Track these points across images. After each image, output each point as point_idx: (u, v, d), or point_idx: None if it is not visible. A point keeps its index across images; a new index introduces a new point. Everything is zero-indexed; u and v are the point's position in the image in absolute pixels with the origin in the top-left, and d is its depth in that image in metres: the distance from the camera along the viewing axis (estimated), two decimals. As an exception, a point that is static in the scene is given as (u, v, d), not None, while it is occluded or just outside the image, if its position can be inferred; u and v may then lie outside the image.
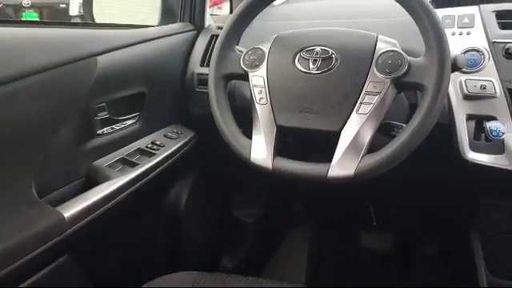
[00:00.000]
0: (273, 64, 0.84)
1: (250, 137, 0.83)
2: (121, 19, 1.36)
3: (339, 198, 1.41)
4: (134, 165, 0.98)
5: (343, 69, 0.79)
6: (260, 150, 0.80)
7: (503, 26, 0.91)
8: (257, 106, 0.83)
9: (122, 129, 1.02)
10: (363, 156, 0.74)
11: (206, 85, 0.89)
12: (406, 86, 0.76)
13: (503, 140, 0.83)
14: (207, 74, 0.90)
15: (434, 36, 0.73)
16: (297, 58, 0.83)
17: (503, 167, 0.83)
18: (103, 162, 0.97)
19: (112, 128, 0.99)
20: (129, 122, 1.04)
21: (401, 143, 0.72)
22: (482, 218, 1.01)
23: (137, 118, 1.05)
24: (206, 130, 0.98)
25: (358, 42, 0.81)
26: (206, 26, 1.22)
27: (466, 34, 0.94)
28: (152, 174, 1.00)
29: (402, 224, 1.46)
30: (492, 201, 0.99)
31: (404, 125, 0.76)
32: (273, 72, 0.83)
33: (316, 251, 1.50)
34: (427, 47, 0.74)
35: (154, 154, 1.03)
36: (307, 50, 0.83)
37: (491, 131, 0.83)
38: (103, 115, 0.96)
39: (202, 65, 1.14)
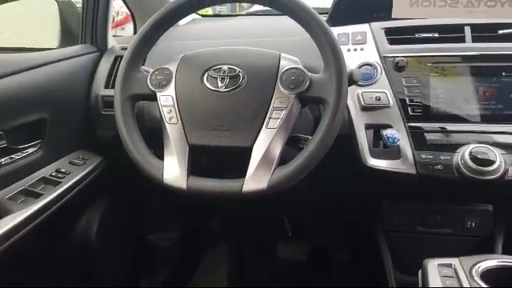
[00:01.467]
0: (181, 83, 0.84)
1: (161, 158, 0.82)
2: (15, 42, 1.28)
3: (255, 213, 1.44)
4: (37, 195, 0.92)
5: (250, 86, 0.81)
6: (173, 170, 0.79)
7: (392, 42, 1.00)
8: (167, 125, 0.82)
9: (22, 158, 0.95)
10: (275, 169, 0.77)
11: (113, 107, 0.87)
12: (309, 100, 0.81)
13: (399, 146, 0.91)
14: (113, 96, 0.87)
15: (331, 53, 0.78)
16: (205, 76, 0.84)
17: (400, 171, 0.91)
18: (3, 194, 0.89)
19: (11, 158, 0.92)
20: (30, 150, 0.97)
21: (308, 154, 0.76)
22: (386, 219, 1.08)
23: (39, 145, 0.99)
24: (114, 153, 0.95)
25: (263, 61, 0.84)
26: (109, 47, 1.19)
27: (360, 49, 1.01)
28: (58, 204, 0.94)
29: (314, 232, 1.52)
30: (395, 203, 1.07)
31: (310, 137, 0.80)
32: (182, 91, 0.83)
33: (236, 267, 1.51)
34: (325, 64, 0.79)
35: (60, 183, 0.97)
36: (215, 69, 0.84)
37: (388, 138, 0.91)
38: (0, 145, 0.89)
39: (106, 87, 1.10)
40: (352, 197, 1.19)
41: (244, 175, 0.77)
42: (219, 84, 0.82)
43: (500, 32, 0.96)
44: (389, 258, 1.07)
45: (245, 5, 1.60)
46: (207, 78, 0.84)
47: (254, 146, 0.77)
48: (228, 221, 1.58)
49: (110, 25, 1.21)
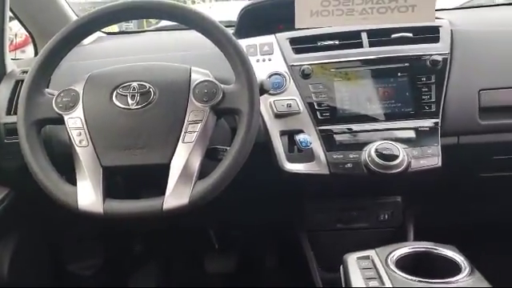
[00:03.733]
0: (89, 104, 0.81)
1: (74, 183, 0.78)
2: None
3: (180, 229, 1.41)
4: None
5: (163, 102, 0.81)
6: (88, 195, 0.76)
7: (297, 51, 1.05)
8: (77, 149, 0.79)
9: None
10: (195, 183, 0.76)
11: (16, 134, 0.81)
12: (223, 111, 0.82)
13: (312, 149, 0.95)
14: (16, 123, 0.82)
15: (241, 65, 0.80)
16: (114, 95, 0.82)
17: (315, 172, 0.95)
18: None
19: None
20: None
21: (227, 165, 0.77)
22: (306, 220, 1.12)
23: None
24: (23, 183, 0.89)
25: (174, 75, 0.84)
26: (8, 71, 1.12)
27: (268, 60, 1.05)
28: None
29: (241, 242, 1.53)
30: (313, 204, 1.11)
31: (228, 148, 0.81)
32: (90, 112, 0.81)
33: (164, 286, 1.47)
34: (236, 75, 0.81)
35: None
36: (124, 86, 0.83)
37: (301, 143, 0.94)
38: None
39: (8, 113, 1.03)
40: (273, 202, 1.22)
41: (164, 193, 0.76)
42: (130, 101, 0.81)
43: (393, 36, 1.05)
44: (312, 258, 1.11)
45: (152, 20, 1.59)
46: (116, 96, 0.82)
47: (172, 161, 0.77)
48: (153, 240, 1.54)
49: (7, 47, 1.13)
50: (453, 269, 0.67)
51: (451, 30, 1.05)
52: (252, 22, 1.18)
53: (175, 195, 0.75)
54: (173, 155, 0.77)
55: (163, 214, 0.75)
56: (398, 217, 1.10)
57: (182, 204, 0.75)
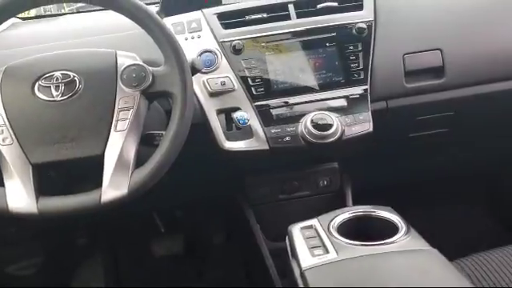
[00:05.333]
0: (8, 99, 0.76)
1: (1, 184, 0.73)
2: None
3: (123, 217, 1.38)
4: None
5: (90, 90, 0.77)
6: (18, 195, 0.72)
7: (226, 26, 1.03)
8: (1, 147, 0.74)
9: None
10: (132, 172, 0.74)
11: None
12: (155, 95, 0.80)
13: (250, 126, 0.96)
14: None
15: (169, 45, 0.78)
16: (36, 87, 0.77)
17: (255, 148, 0.96)
18: None
19: None
20: None
21: (165, 151, 0.75)
22: (250, 195, 1.13)
23: None
24: None
25: (99, 61, 0.80)
26: None
27: (197, 37, 1.03)
28: None
29: (187, 222, 1.53)
30: (256, 178, 1.12)
31: (164, 132, 0.79)
32: (11, 107, 0.75)
33: (112, 276, 1.45)
34: (165, 57, 0.78)
35: None
36: (46, 77, 0.78)
37: (239, 120, 0.94)
38: None
39: None
40: (216, 180, 1.22)
41: (101, 185, 0.73)
42: (54, 93, 0.76)
43: (319, 6, 1.06)
44: (259, 231, 1.13)
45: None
46: (39, 88, 0.77)
47: (106, 152, 0.74)
48: (96, 231, 1.49)
49: None
50: (391, 229, 0.71)
51: None
52: None
53: (113, 186, 0.73)
54: (106, 145, 0.74)
55: (102, 206, 0.73)
56: (336, 182, 1.14)
57: (121, 195, 0.73)
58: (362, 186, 1.17)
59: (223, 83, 0.97)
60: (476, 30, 1.05)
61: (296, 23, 1.03)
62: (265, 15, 1.04)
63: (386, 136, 1.01)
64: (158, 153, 0.75)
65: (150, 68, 0.78)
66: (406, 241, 0.66)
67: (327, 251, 0.67)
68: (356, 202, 1.12)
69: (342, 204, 1.12)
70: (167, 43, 0.78)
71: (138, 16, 0.78)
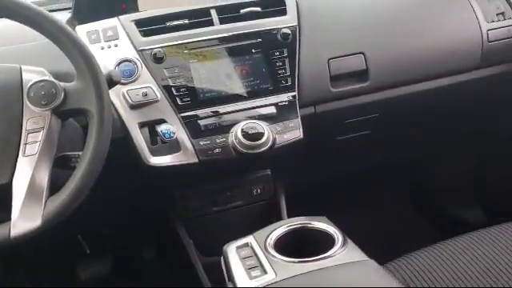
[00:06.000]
0: None
1: None
2: None
3: (44, 242, 1.27)
4: None
5: None
6: None
7: (145, 34, 0.97)
8: None
9: None
10: (46, 200, 0.67)
11: None
12: (68, 114, 0.73)
13: (177, 138, 0.91)
14: None
15: (81, 58, 0.70)
16: None
17: (183, 162, 0.91)
18: None
19: None
20: None
21: (82, 174, 0.68)
22: (181, 209, 1.08)
23: None
24: None
25: (1, 78, 0.71)
26: None
27: (114, 46, 0.95)
28: None
29: (113, 241, 1.44)
30: (186, 191, 1.07)
31: (80, 153, 0.72)
32: None
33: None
34: (78, 70, 0.71)
35: None
36: None
37: (164, 134, 0.89)
38: None
39: None
40: (143, 195, 1.15)
41: (10, 217, 0.65)
42: None
43: (242, 11, 1.03)
44: (192, 246, 1.08)
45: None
46: None
47: (14, 180, 0.66)
48: (16, 260, 1.36)
49: None
50: (328, 240, 0.69)
51: (296, 1, 1.07)
52: (90, 3, 1.06)
53: (24, 218, 0.65)
54: (13, 173, 0.66)
55: (12, 241, 0.65)
56: (269, 189, 1.12)
57: (34, 227, 0.65)
58: (295, 191, 1.16)
59: (145, 94, 0.91)
60: (397, 33, 1.08)
61: (219, 29, 0.99)
62: (186, 21, 0.99)
63: (315, 140, 1.01)
64: (75, 176, 0.68)
65: (61, 83, 0.71)
66: (342, 254, 0.65)
67: (265, 271, 0.64)
68: (290, 208, 1.11)
69: (277, 211, 1.11)
70: (79, 55, 0.71)
71: (43, 25, 0.70)
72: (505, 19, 1.15)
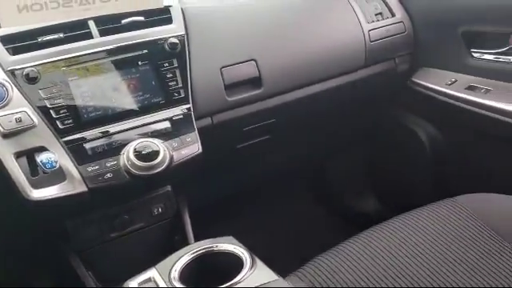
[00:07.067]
0: None
1: None
2: None
3: None
4: None
5: None
6: None
7: (14, 52, 0.86)
8: None
9: None
10: None
11: None
12: None
13: (61, 167, 0.81)
14: None
15: None
16: None
17: (70, 193, 0.82)
18: None
19: None
20: None
21: None
22: (74, 240, 0.98)
23: None
24: None
25: None
26: None
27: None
28: None
29: (6, 278, 1.27)
30: (78, 220, 0.97)
31: None
32: None
33: None
34: None
35: None
36: None
37: (44, 164, 0.79)
38: None
39: None
40: (33, 229, 1.04)
41: None
42: None
43: (123, 22, 0.95)
44: (89, 278, 0.98)
45: None
46: None
47: None
48: None
49: None
50: (236, 262, 0.67)
51: (182, 9, 1.02)
52: None
53: None
54: None
55: None
56: (171, 206, 1.06)
57: None
58: (199, 205, 1.12)
59: (19, 120, 0.81)
60: (286, 38, 1.09)
61: (99, 42, 0.91)
62: (61, 35, 0.89)
63: (215, 151, 0.98)
64: None
65: None
66: (252, 277, 0.63)
67: (171, 308, 0.59)
68: (196, 223, 1.07)
69: (181, 229, 1.06)
70: None
71: None
72: (383, 19, 1.22)
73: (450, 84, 1.18)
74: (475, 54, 1.16)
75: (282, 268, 0.71)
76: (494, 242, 0.83)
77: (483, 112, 1.09)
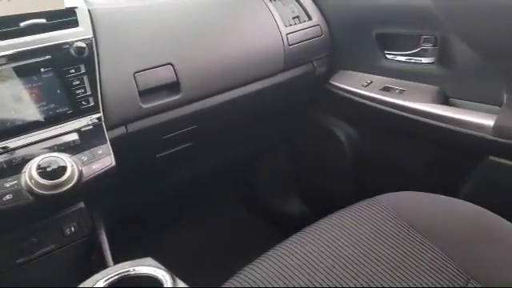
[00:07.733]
0: None
1: None
2: None
3: None
4: None
5: None
6: None
7: None
8: None
9: None
10: None
11: None
12: None
13: None
14: None
15: None
16: None
17: None
18: None
19: None
20: None
21: None
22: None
23: None
24: None
25: None
26: None
27: None
28: None
29: None
30: None
31: None
32: None
33: None
34: None
35: None
36: None
37: None
38: None
39: None
40: None
41: None
42: None
43: (23, 24, 0.86)
44: None
45: None
46: None
47: None
48: None
49: None
50: (156, 286, 0.62)
51: (89, 10, 0.94)
52: None
53: None
54: None
55: None
56: (85, 224, 0.98)
57: None
58: (117, 219, 1.05)
59: None
60: (205, 42, 1.05)
61: None
62: None
63: (133, 162, 0.92)
64: None
65: None
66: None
67: None
68: (114, 240, 0.99)
69: (97, 248, 0.98)
70: None
71: None
72: (300, 22, 1.22)
73: (366, 85, 1.22)
74: (389, 56, 1.20)
75: (207, 283, 0.67)
76: (413, 239, 0.85)
77: (398, 112, 1.13)
